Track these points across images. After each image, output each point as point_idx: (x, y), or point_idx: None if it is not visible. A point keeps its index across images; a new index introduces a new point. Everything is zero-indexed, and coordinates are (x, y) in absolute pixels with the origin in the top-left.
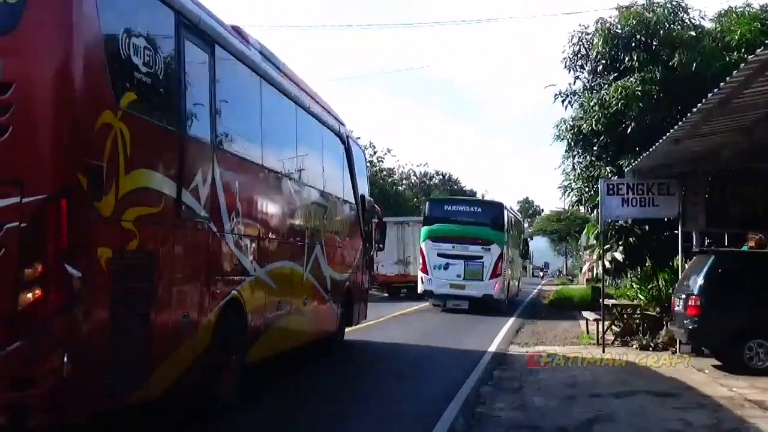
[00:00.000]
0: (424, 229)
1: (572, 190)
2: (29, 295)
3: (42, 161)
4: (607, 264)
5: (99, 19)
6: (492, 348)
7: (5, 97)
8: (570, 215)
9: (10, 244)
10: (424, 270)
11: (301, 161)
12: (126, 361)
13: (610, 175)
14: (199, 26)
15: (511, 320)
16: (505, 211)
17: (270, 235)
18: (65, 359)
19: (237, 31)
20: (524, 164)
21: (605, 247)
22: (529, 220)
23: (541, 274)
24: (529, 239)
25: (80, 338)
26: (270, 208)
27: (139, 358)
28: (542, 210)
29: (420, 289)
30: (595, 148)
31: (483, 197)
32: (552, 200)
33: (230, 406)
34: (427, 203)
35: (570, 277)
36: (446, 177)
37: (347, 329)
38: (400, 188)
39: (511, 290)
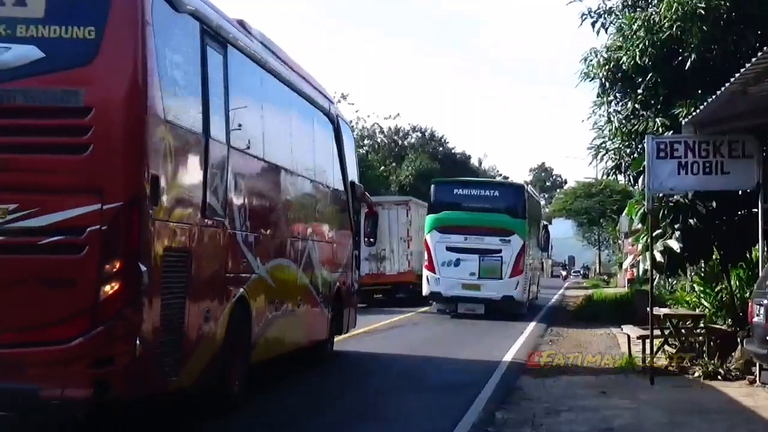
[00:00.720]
0: (430, 218)
1: (607, 152)
2: (108, 287)
3: (118, 174)
4: (658, 257)
5: (155, 47)
6: (496, 376)
7: (87, 120)
8: (604, 188)
9: (92, 244)
10: (430, 267)
11: (296, 150)
12: (171, 349)
13: (661, 129)
14: (216, 30)
15: (529, 329)
16: (526, 194)
17: (270, 231)
18: (137, 342)
19: (242, 24)
20: (538, 116)
21: (655, 233)
22: (545, 196)
23: (563, 273)
24: (548, 225)
25: (147, 325)
26: (270, 202)
27: (177, 348)
28: (564, 181)
29: (425, 290)
30: (639, 90)
31: (481, 164)
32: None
33: (236, 405)
34: (433, 186)
35: (605, 277)
36: (427, 135)
37: (336, 338)
38: (361, 150)
39: (531, 291)
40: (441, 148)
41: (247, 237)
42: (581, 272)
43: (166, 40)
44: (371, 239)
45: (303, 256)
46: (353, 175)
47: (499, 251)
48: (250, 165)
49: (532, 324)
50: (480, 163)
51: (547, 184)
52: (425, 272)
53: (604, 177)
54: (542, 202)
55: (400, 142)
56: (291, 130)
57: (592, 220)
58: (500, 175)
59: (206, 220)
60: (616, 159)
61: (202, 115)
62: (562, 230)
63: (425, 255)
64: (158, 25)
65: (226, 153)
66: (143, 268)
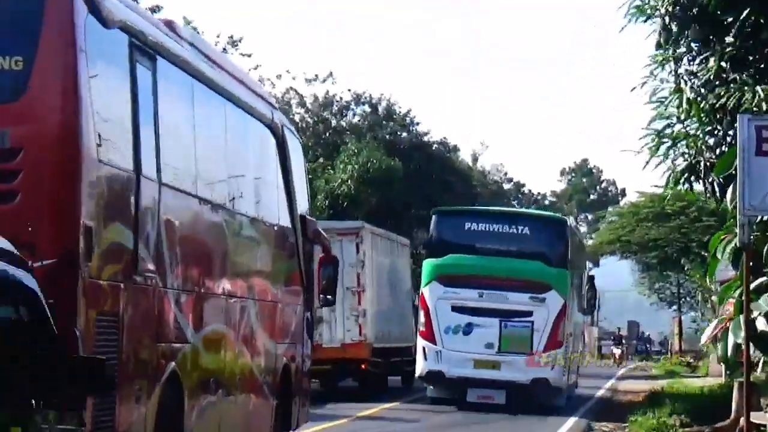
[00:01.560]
0: (429, 265)
1: (674, 143)
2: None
3: (51, 226)
4: (761, 324)
5: (88, 76)
6: None
7: (14, 164)
8: (688, 206)
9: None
10: (428, 335)
11: (234, 180)
12: None
13: (765, 105)
14: (145, 41)
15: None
16: (569, 232)
17: (203, 288)
18: None
19: (170, 27)
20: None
21: (756, 282)
22: (588, 219)
23: (615, 351)
24: (593, 276)
25: None
26: (203, 250)
27: None
28: (621, 193)
29: (419, 369)
30: (728, 38)
31: (476, 161)
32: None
33: None
34: (434, 217)
35: (691, 359)
36: (380, 110)
37: None
38: None
39: (571, 374)
40: (405, 134)
41: (179, 296)
42: (646, 348)
43: (96, 64)
44: (328, 296)
45: (242, 321)
46: (303, 204)
47: (530, 314)
48: (182, 205)
49: (571, 421)
50: (474, 159)
51: (592, 196)
52: (420, 342)
53: (670, 187)
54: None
55: (334, 122)
56: (227, 155)
57: (668, 261)
58: (508, 179)
59: (137, 277)
60: (689, 155)
61: (133, 148)
62: (616, 277)
63: (421, 317)
64: (90, 49)
65: (157, 193)
66: (78, 334)
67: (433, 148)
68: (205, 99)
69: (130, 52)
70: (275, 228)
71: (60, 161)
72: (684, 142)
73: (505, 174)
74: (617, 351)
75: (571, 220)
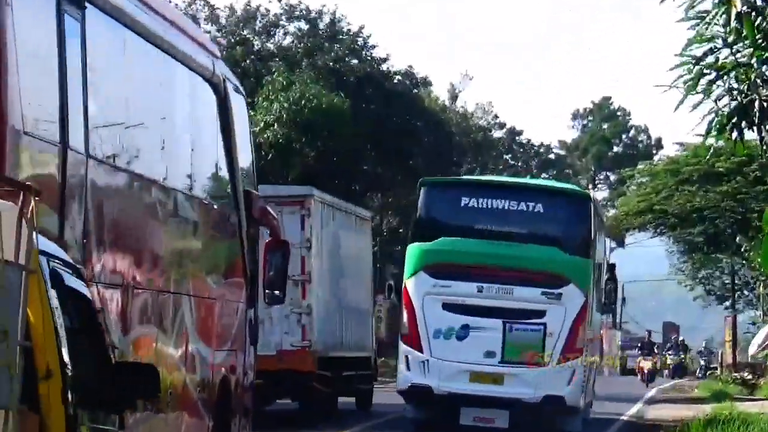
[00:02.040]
0: (416, 250)
1: (720, 75)
2: None
3: None
4: None
5: (14, 32)
6: None
7: None
8: (747, 162)
9: None
10: (412, 341)
11: (171, 151)
12: None
13: None
14: None
15: None
16: (593, 210)
17: (132, 282)
18: None
19: None
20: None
21: None
22: (610, 179)
23: (644, 364)
24: (614, 265)
25: None
26: (133, 236)
27: None
28: (655, 143)
29: (400, 382)
30: None
31: (455, 99)
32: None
33: None
34: (422, 189)
35: (748, 375)
36: (320, 25)
37: None
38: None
39: (588, 390)
40: (356, 61)
41: (106, 292)
42: (701, 363)
43: (21, 18)
44: (276, 291)
45: (174, 323)
46: (249, 178)
47: (542, 314)
48: (114, 182)
49: None
50: (453, 97)
51: (616, 148)
52: (402, 349)
53: (713, 136)
54: (604, 203)
55: (257, 44)
56: (164, 120)
57: (718, 239)
58: (499, 125)
59: None
60: (740, 92)
61: (60, 115)
62: (647, 261)
63: (403, 318)
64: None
65: (84, 169)
66: None
67: (395, 80)
68: (139, 53)
69: (58, 3)
70: (215, 207)
71: None
72: (732, 74)
73: (495, 117)
74: (646, 363)
75: (593, 194)
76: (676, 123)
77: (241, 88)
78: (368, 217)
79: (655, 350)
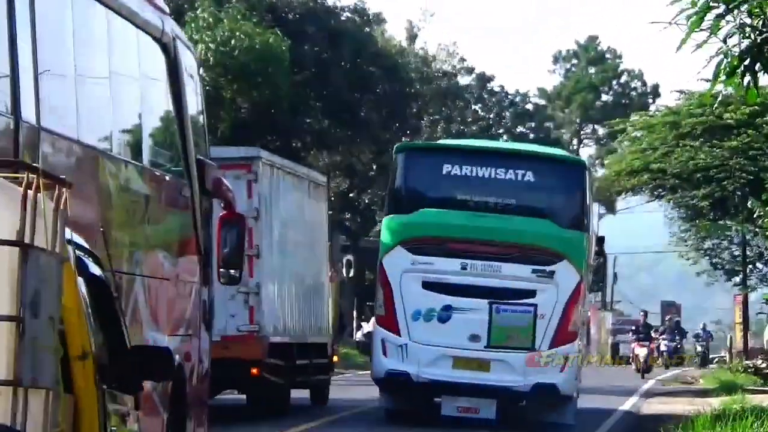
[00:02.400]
0: (392, 223)
1: (727, 8)
2: None
3: None
4: None
5: None
6: None
7: None
8: (762, 111)
9: None
10: (388, 323)
11: (118, 118)
12: None
13: None
14: None
15: None
16: (588, 179)
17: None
18: None
19: None
20: None
21: None
22: (595, 136)
23: (638, 351)
24: (603, 237)
25: None
26: (81, 212)
27: None
28: (652, 92)
29: (376, 369)
30: None
31: (414, 40)
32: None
33: None
34: (399, 156)
35: (763, 361)
36: None
37: None
38: None
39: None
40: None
41: None
42: (698, 350)
43: None
44: (232, 270)
45: (126, 306)
46: (200, 144)
47: (532, 294)
48: (64, 154)
49: None
50: (412, 37)
51: (605, 97)
52: (377, 332)
53: (721, 81)
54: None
55: None
56: (111, 85)
57: (727, 203)
58: (467, 69)
59: None
60: (752, 30)
61: (11, 83)
62: (643, 230)
63: (379, 298)
64: None
65: (38, 140)
66: None
67: (343, 17)
68: (85, 12)
69: None
70: (166, 178)
71: None
72: (745, 7)
73: (462, 61)
74: (642, 351)
75: (587, 161)
76: (676, 67)
77: (191, 47)
78: (323, 182)
79: (653, 335)
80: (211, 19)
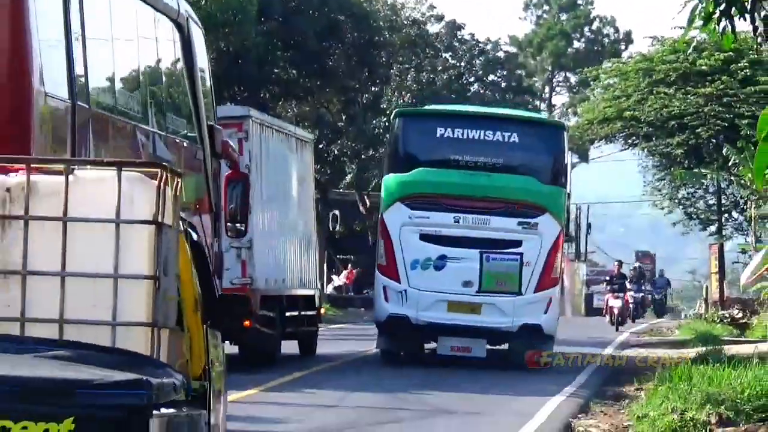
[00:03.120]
0: (391, 182)
1: None
2: None
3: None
4: None
5: (34, 10)
6: None
7: None
8: (735, 58)
9: None
10: (390, 271)
11: (146, 91)
12: None
13: None
14: None
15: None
16: (566, 140)
17: None
18: None
19: None
20: None
21: None
22: (567, 84)
23: (614, 303)
24: (573, 170)
25: None
26: None
27: None
28: (626, 39)
29: (378, 313)
30: None
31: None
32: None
33: None
34: (397, 120)
35: (739, 311)
36: None
37: None
38: None
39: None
40: None
41: None
42: (656, 298)
43: None
44: (238, 224)
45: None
46: (209, 111)
47: (519, 244)
48: (108, 127)
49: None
50: None
51: (577, 44)
52: (379, 280)
53: (695, 27)
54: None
55: None
56: (140, 64)
57: (701, 150)
58: (437, 18)
59: None
60: None
61: (68, 74)
62: (616, 179)
63: (380, 249)
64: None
65: (89, 119)
66: None
67: None
68: (121, 5)
69: None
70: (185, 144)
71: (11, 97)
72: None
73: (431, 8)
74: (616, 302)
75: (567, 124)
76: (649, 13)
77: (199, 23)
78: (310, 139)
79: (628, 285)
80: None
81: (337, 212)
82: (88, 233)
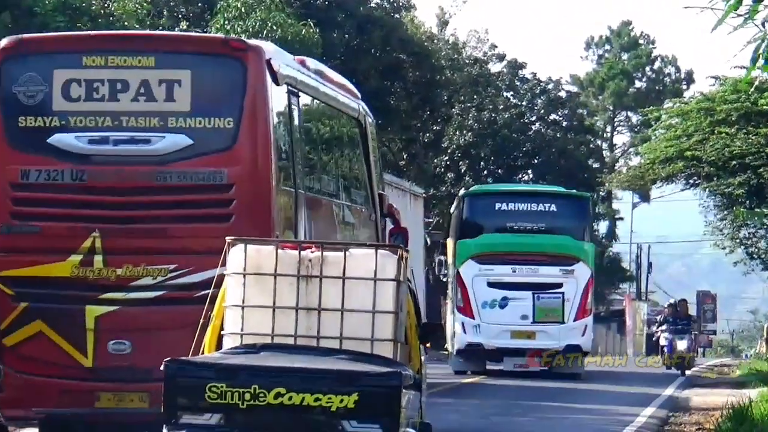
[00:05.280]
0: (464, 245)
1: None
2: None
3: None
4: None
5: (273, 127)
6: None
7: (229, 195)
8: None
9: None
10: (466, 311)
11: (340, 176)
12: None
13: None
14: (294, 85)
15: None
16: (590, 206)
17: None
18: None
19: (302, 63)
20: None
21: None
22: (628, 123)
23: (680, 344)
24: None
25: None
26: (327, 230)
27: None
28: (685, 78)
29: (458, 342)
30: None
31: (444, 29)
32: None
33: None
34: (465, 199)
35: None
36: None
37: None
38: None
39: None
40: None
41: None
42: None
43: (276, 116)
44: None
45: None
46: (379, 182)
47: (560, 285)
48: (316, 205)
49: None
50: (443, 24)
51: (639, 83)
52: (458, 318)
53: (759, 66)
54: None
55: None
56: (339, 157)
57: (762, 189)
58: (498, 56)
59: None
60: None
61: (293, 170)
62: (677, 219)
63: (458, 294)
64: (273, 107)
65: (304, 200)
66: None
67: (372, 4)
68: (323, 113)
69: (288, 96)
70: (363, 210)
71: (259, 192)
72: None
73: (493, 48)
74: (681, 343)
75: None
76: (710, 53)
77: (370, 113)
78: (421, 194)
79: (693, 324)
80: (243, 9)
81: (442, 257)
82: (357, 286)
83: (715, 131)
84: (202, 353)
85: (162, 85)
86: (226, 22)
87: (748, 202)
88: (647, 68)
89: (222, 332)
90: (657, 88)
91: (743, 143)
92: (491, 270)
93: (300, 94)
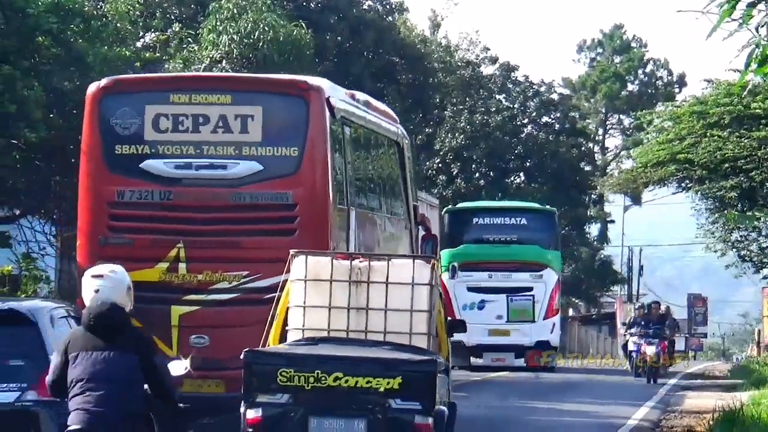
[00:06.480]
0: (447, 254)
1: None
2: None
3: (316, 249)
4: None
5: (331, 155)
6: None
7: (294, 213)
8: None
9: None
10: (449, 313)
11: (384, 192)
12: None
13: None
14: (346, 117)
15: None
16: (556, 219)
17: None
18: None
19: (352, 96)
20: None
21: None
22: (620, 127)
23: (648, 350)
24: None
25: None
26: (372, 241)
27: None
28: (677, 80)
29: None
30: None
31: (435, 31)
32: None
33: None
34: (447, 215)
35: None
36: None
37: None
38: None
39: None
40: None
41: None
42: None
43: (332, 144)
44: None
45: None
46: (414, 194)
47: (531, 289)
48: (367, 219)
49: None
50: (435, 26)
51: (631, 86)
52: None
53: (752, 71)
54: (618, 152)
55: None
56: (382, 177)
57: (755, 193)
58: (491, 59)
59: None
60: None
61: (346, 191)
62: (669, 222)
63: None
64: (330, 137)
65: (356, 215)
66: None
67: (364, 6)
68: (369, 138)
69: (342, 127)
70: (401, 220)
71: (318, 211)
72: None
73: (485, 50)
74: (650, 348)
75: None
76: (702, 56)
77: (407, 136)
78: (436, 204)
79: (666, 329)
80: (235, 10)
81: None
82: (398, 290)
83: (708, 134)
84: (268, 345)
85: (237, 119)
86: (218, 24)
87: (739, 205)
88: (639, 71)
89: (287, 328)
90: (649, 91)
91: (735, 146)
92: (470, 276)
93: (351, 123)
